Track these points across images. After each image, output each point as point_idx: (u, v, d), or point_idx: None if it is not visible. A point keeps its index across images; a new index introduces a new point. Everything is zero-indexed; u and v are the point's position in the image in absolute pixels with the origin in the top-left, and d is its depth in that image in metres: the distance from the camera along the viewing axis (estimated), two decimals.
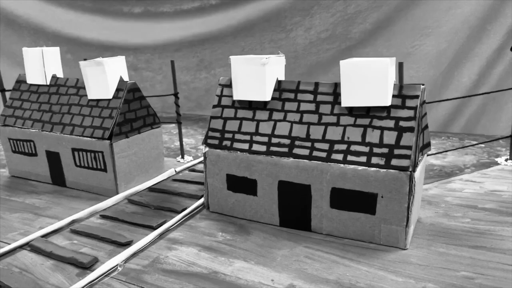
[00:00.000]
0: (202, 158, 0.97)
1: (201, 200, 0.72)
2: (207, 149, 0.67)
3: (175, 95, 0.96)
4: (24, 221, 0.68)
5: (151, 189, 0.80)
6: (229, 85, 0.68)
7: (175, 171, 0.88)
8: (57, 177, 0.83)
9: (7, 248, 0.58)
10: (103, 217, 0.69)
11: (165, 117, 1.48)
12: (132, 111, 0.78)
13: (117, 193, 0.77)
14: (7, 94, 0.90)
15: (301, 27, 1.36)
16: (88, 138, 0.76)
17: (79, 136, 0.77)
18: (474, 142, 1.05)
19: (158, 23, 1.56)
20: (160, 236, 0.62)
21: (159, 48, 1.59)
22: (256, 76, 0.63)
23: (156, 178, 0.83)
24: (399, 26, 1.27)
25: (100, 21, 1.63)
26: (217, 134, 0.67)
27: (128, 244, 0.59)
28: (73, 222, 0.67)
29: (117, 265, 0.54)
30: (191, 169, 0.91)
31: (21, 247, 0.60)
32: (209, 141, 0.67)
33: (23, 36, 1.67)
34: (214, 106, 0.68)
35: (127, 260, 0.55)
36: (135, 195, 0.77)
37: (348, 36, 1.33)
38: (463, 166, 0.89)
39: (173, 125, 1.36)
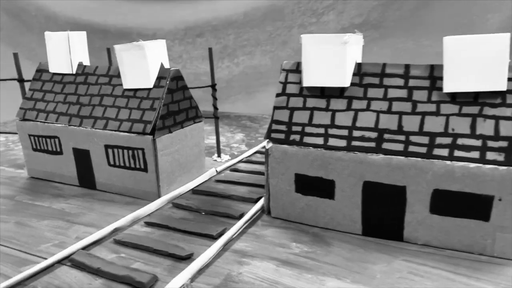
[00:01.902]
0: (241, 157, 0.87)
1: (259, 204, 0.62)
2: (270, 144, 0.58)
3: (213, 86, 0.86)
4: (56, 230, 0.58)
5: (194, 191, 0.70)
6: (295, 70, 0.59)
7: (216, 171, 0.78)
8: (86, 178, 0.73)
9: (44, 263, 0.48)
10: (149, 224, 0.59)
11: None
12: (175, 103, 0.68)
13: (159, 196, 0.67)
14: (27, 85, 0.80)
15: (333, 11, 1.25)
16: (126, 133, 0.66)
17: (114, 131, 0.67)
18: None
19: (178, 6, 1.44)
20: (224, 247, 0.52)
21: (179, 34, 1.47)
22: (334, 58, 0.54)
23: (198, 179, 0.74)
24: (440, 13, 1.16)
25: (115, 5, 1.51)
26: (283, 127, 0.57)
27: (189, 257, 0.49)
28: (115, 230, 0.57)
29: (183, 284, 0.44)
30: (233, 168, 0.81)
31: (60, 261, 0.50)
32: (273, 135, 0.58)
33: (32, 26, 1.56)
34: (278, 95, 0.59)
35: (193, 278, 0.46)
36: (179, 198, 0.67)
37: (384, 24, 1.23)
38: None
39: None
